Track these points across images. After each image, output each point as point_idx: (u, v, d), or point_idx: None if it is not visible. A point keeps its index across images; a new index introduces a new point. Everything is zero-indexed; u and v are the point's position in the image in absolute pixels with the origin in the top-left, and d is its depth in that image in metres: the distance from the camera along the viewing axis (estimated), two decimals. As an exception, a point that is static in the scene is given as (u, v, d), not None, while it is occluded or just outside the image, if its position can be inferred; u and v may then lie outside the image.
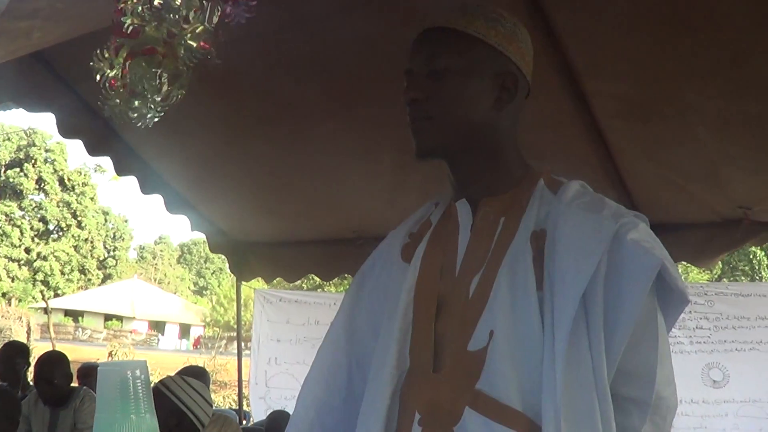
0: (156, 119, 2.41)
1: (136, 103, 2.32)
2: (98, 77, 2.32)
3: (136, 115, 2.37)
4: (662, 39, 4.05)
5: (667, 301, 2.09)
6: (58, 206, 71.89)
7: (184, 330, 77.30)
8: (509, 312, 2.03)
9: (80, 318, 69.60)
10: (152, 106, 2.35)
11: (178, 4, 2.24)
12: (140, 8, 2.23)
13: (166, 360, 35.99)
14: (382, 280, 2.43)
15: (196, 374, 6.47)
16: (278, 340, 10.03)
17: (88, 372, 9.07)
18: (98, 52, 2.31)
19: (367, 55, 4.52)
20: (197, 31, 2.27)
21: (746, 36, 3.89)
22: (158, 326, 76.46)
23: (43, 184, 70.69)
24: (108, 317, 71.70)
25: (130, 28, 2.24)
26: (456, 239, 2.25)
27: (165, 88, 2.33)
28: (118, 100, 2.34)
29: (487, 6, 2.22)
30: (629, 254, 1.98)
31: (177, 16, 2.24)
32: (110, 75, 2.29)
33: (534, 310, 2.00)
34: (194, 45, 2.30)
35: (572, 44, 4.25)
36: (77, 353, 31.79)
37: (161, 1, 2.23)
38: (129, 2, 2.23)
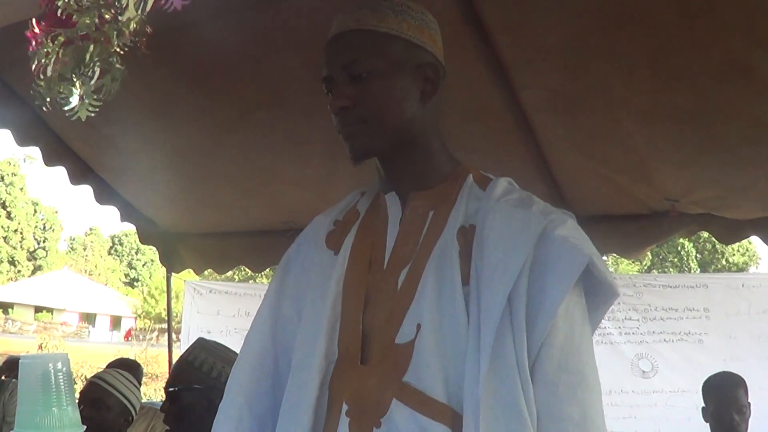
0: (91, 114, 2.39)
1: (62, 89, 2.30)
2: (33, 65, 2.30)
3: (66, 103, 2.35)
4: (590, 33, 4.09)
5: (597, 295, 2.13)
6: (-13, 197, 71.15)
7: (116, 322, 76.94)
8: (435, 306, 2.05)
9: (10, 310, 69.03)
10: (85, 97, 2.33)
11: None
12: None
13: (97, 352, 35.79)
14: (305, 265, 2.44)
15: (129, 367, 6.45)
16: (209, 332, 9.97)
17: (15, 365, 8.98)
18: (35, 38, 2.29)
19: (297, 44, 4.51)
20: (131, 17, 2.26)
21: (673, 30, 3.94)
22: (89, 318, 76.05)
23: (-29, 175, 69.94)
24: (38, 309, 71.22)
25: (65, 14, 2.22)
26: (385, 232, 2.28)
27: (95, 75, 2.31)
28: (49, 88, 2.32)
29: None
30: (556, 250, 2.00)
31: (115, 2, 2.23)
32: (45, 63, 2.27)
33: (459, 304, 2.02)
34: (126, 32, 2.29)
35: (501, 38, 4.27)
36: (7, 346, 31.58)
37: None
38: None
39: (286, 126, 5.50)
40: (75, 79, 2.26)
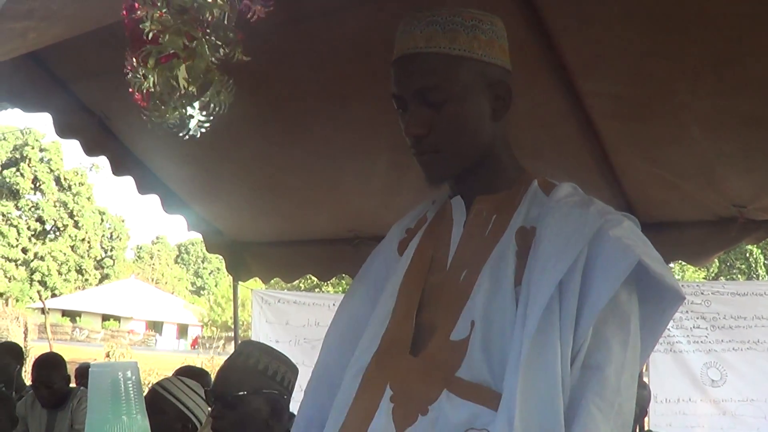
0: (204, 129, 2.43)
1: (176, 112, 2.33)
2: (135, 89, 2.32)
3: (183, 126, 2.38)
4: (655, 38, 4.07)
5: (662, 300, 2.11)
6: (55, 206, 71.94)
7: (182, 330, 77.37)
8: (488, 303, 2.08)
9: (78, 318, 69.70)
10: (193, 114, 2.35)
11: (199, 7, 2.24)
12: (157, 13, 2.23)
13: (164, 360, 35.99)
14: (373, 274, 2.54)
15: (196, 375, 6.47)
16: (277, 341, 9.98)
17: (86, 372, 9.02)
18: (133, 62, 2.31)
19: (363, 53, 4.52)
20: (219, 32, 2.28)
21: (738, 35, 3.90)
22: (156, 326, 76.58)
23: (39, 184, 70.75)
24: (105, 317, 71.81)
25: (150, 34, 2.24)
26: (449, 234, 2.32)
27: (195, 93, 2.33)
28: (163, 113, 2.34)
29: (460, 12, 2.22)
30: (607, 249, 2.00)
31: (201, 17, 2.24)
32: (145, 86, 2.29)
33: (510, 302, 2.04)
34: (221, 45, 2.31)
35: (566, 43, 4.26)
36: (75, 353, 31.82)
37: (181, 4, 2.23)
38: (147, 9, 2.23)
39: (351, 135, 5.52)
40: (179, 101, 2.28)
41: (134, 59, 2.29)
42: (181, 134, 2.37)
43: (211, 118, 2.36)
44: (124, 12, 2.28)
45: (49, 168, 71.20)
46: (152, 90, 2.28)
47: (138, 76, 2.28)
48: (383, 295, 2.35)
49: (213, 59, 2.32)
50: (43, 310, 43.10)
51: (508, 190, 2.29)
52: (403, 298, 2.29)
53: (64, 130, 5.68)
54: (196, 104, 2.34)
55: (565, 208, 2.14)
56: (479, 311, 2.08)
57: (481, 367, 2.03)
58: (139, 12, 2.25)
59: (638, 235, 2.10)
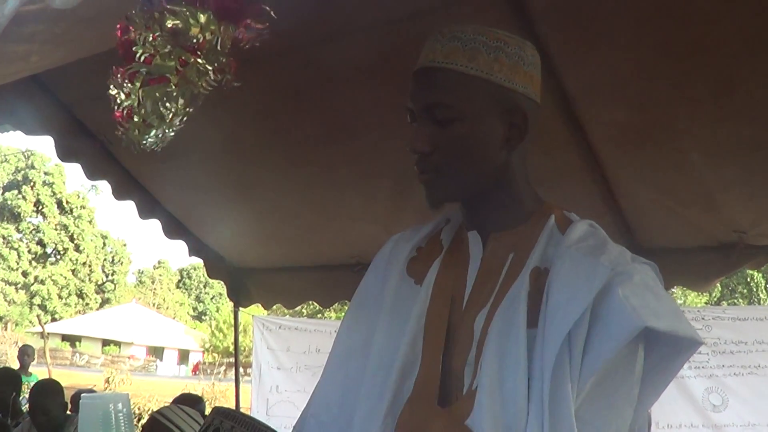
0: (167, 140, 2.43)
1: (153, 132, 2.33)
2: (115, 106, 2.32)
3: (151, 141, 2.38)
4: (656, 66, 4.08)
5: (675, 345, 2.03)
6: (56, 229, 71.90)
7: (183, 355, 77.15)
8: (498, 350, 2.00)
9: (78, 343, 69.56)
10: (166, 129, 2.35)
11: (192, 31, 2.24)
12: (151, 36, 2.23)
13: (164, 386, 35.85)
14: (375, 292, 2.41)
15: (191, 402, 6.48)
16: (278, 368, 9.97)
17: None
18: (117, 78, 2.31)
19: (365, 81, 4.54)
20: (211, 57, 2.29)
21: (737, 62, 3.92)
22: (157, 352, 76.37)
23: (41, 207, 70.75)
24: (106, 342, 71.65)
25: (143, 57, 2.24)
26: (466, 271, 2.23)
27: (179, 114, 2.33)
28: (136, 130, 2.34)
29: (486, 31, 2.13)
30: (613, 309, 1.92)
31: (193, 42, 2.25)
32: (126, 104, 2.29)
33: (522, 347, 1.97)
34: (209, 71, 2.31)
35: (567, 70, 4.27)
36: (74, 379, 31.68)
37: (173, 28, 2.23)
38: (140, 32, 2.24)
39: (354, 161, 5.53)
40: (160, 121, 2.29)
41: (119, 75, 2.29)
42: (154, 148, 2.36)
43: (172, 133, 2.36)
44: (119, 33, 2.28)
45: (52, 191, 71.25)
46: (135, 109, 2.28)
47: (120, 92, 2.28)
48: (404, 330, 2.21)
49: (203, 84, 2.32)
50: (42, 335, 42.95)
51: (524, 225, 2.21)
52: (429, 339, 2.19)
53: (66, 153, 5.70)
54: (176, 122, 2.34)
55: (577, 255, 2.04)
56: (488, 356, 2.00)
57: (487, 417, 1.95)
58: (132, 34, 2.25)
59: (650, 290, 2.00)
